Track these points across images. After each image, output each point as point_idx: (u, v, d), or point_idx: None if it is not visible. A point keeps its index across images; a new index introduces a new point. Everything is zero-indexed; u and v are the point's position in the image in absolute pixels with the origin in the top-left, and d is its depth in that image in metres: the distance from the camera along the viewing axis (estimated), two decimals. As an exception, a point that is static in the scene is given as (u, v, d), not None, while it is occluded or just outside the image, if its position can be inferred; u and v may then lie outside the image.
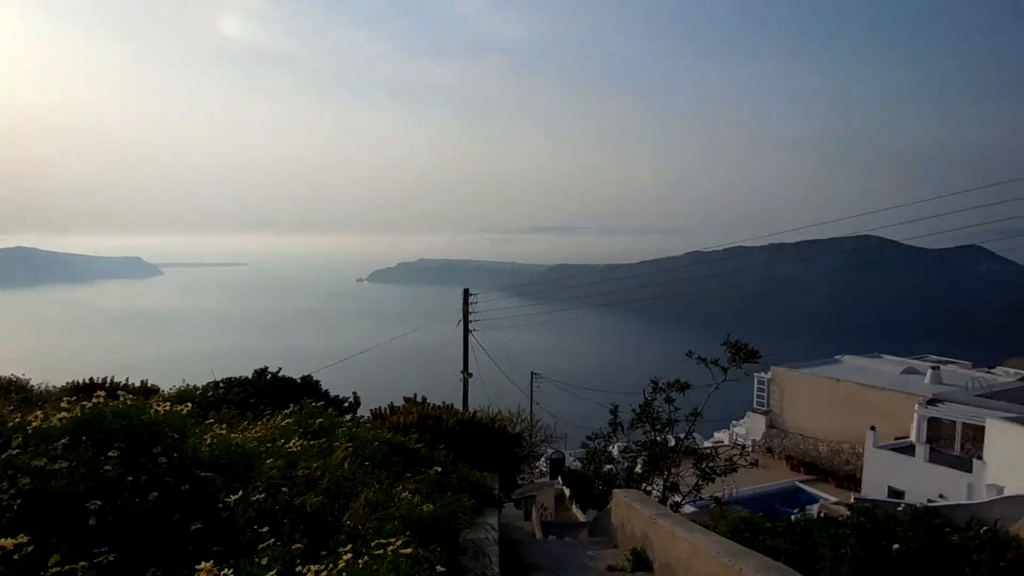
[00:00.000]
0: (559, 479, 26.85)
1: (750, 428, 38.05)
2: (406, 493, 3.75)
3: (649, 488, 12.13)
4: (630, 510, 6.10)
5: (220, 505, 3.45)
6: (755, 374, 36.41)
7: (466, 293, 26.57)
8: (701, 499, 12.84)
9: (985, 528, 5.93)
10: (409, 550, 2.61)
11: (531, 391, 34.25)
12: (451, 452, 7.19)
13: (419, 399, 12.30)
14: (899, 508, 5.56)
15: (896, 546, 4.55)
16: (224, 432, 5.57)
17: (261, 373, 13.27)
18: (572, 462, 24.10)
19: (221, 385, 11.94)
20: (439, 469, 4.81)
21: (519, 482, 23.58)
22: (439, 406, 11.57)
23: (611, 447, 13.66)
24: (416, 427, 9.01)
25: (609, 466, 13.35)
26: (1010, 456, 22.23)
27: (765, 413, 37.52)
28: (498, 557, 4.07)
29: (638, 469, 12.51)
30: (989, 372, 37.99)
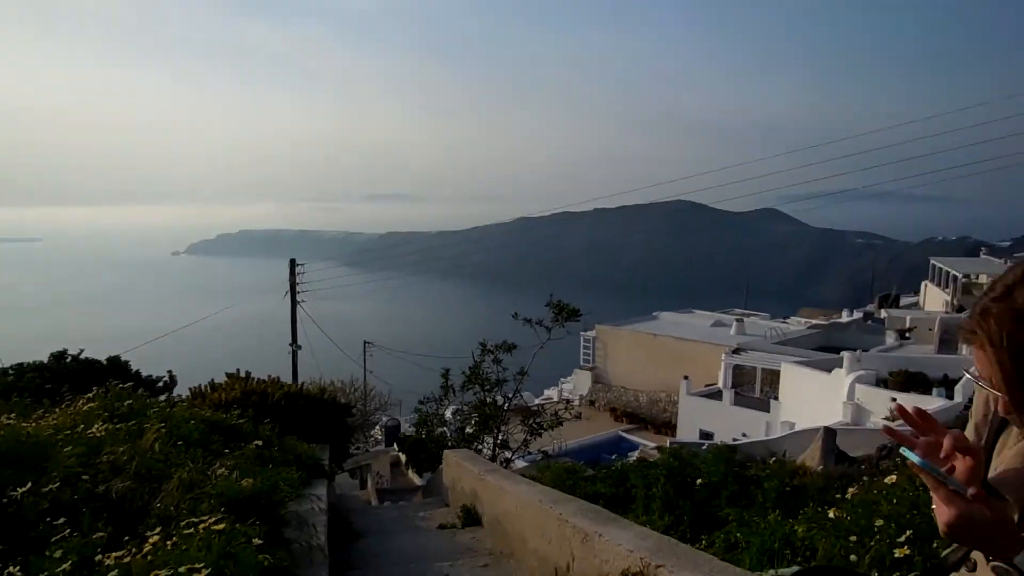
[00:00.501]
0: (395, 446, 26.88)
1: (577, 384, 39.90)
2: (223, 470, 3.60)
3: (480, 447, 12.44)
4: (460, 469, 6.22)
5: (5, 500, 3.13)
6: (581, 333, 38.12)
7: (292, 264, 25.64)
8: (530, 454, 13.36)
9: (775, 459, 6.62)
10: (223, 526, 2.51)
11: (364, 360, 33.85)
12: (277, 426, 6.95)
13: (243, 374, 11.76)
14: (703, 448, 6.09)
15: (700, 480, 4.97)
16: (14, 422, 5.05)
17: (59, 356, 12.12)
18: (408, 428, 24.18)
19: (11, 372, 10.80)
20: (259, 443, 4.65)
21: (353, 452, 23.35)
22: (264, 380, 11.13)
23: (444, 410, 13.84)
24: (239, 403, 8.62)
25: (442, 429, 13.54)
26: (800, 395, 24.89)
27: (591, 369, 39.45)
28: (325, 527, 4.01)
29: (469, 429, 12.79)
30: (784, 322, 42.12)
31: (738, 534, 3.81)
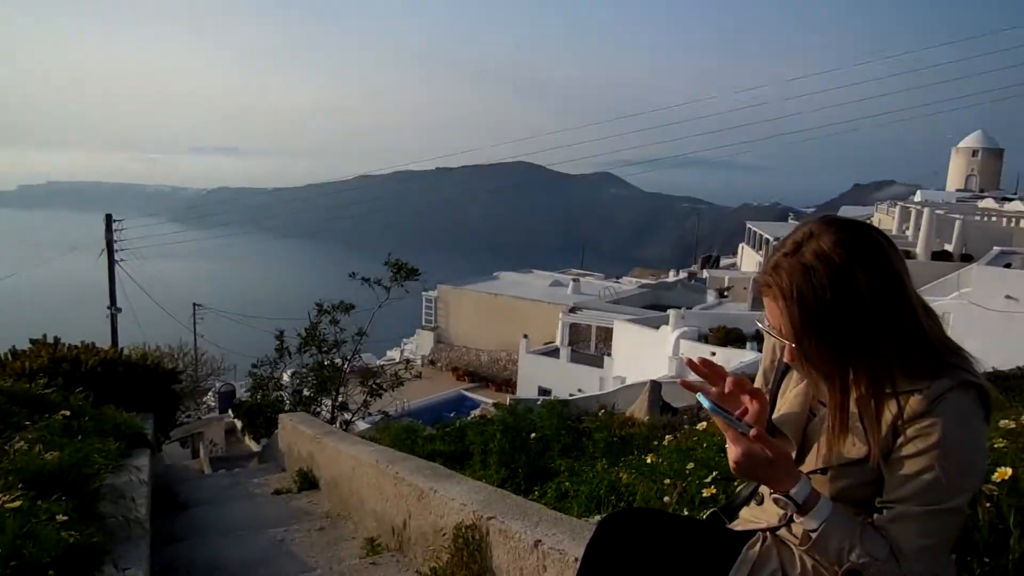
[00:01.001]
0: (229, 412, 25.77)
1: (419, 344, 39.97)
2: (23, 444, 3.29)
3: (318, 410, 12.20)
4: (296, 432, 6.07)
5: None
6: (422, 293, 38.08)
7: (109, 219, 23.58)
8: (371, 415, 13.27)
9: (603, 411, 6.99)
10: (18, 503, 2.30)
11: (194, 324, 32.01)
12: (92, 395, 6.43)
13: (51, 340, 10.73)
14: (538, 403, 6.32)
15: (534, 435, 5.15)
16: None
17: None
18: (244, 394, 23.24)
19: None
20: (67, 413, 4.29)
21: (184, 420, 22.14)
22: (77, 347, 10.22)
23: (280, 373, 13.42)
24: (47, 372, 7.86)
25: (278, 392, 13.13)
26: (631, 351, 26.31)
27: (432, 329, 39.62)
28: (147, 499, 3.79)
29: (307, 392, 12.49)
30: (617, 282, 44.23)
31: (567, 483, 3.99)
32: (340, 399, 12.55)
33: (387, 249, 14.52)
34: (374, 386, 12.50)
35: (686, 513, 2.60)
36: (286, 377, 13.85)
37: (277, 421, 7.48)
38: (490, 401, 23.79)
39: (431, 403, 27.29)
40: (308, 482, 5.40)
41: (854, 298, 1.32)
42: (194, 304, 33.05)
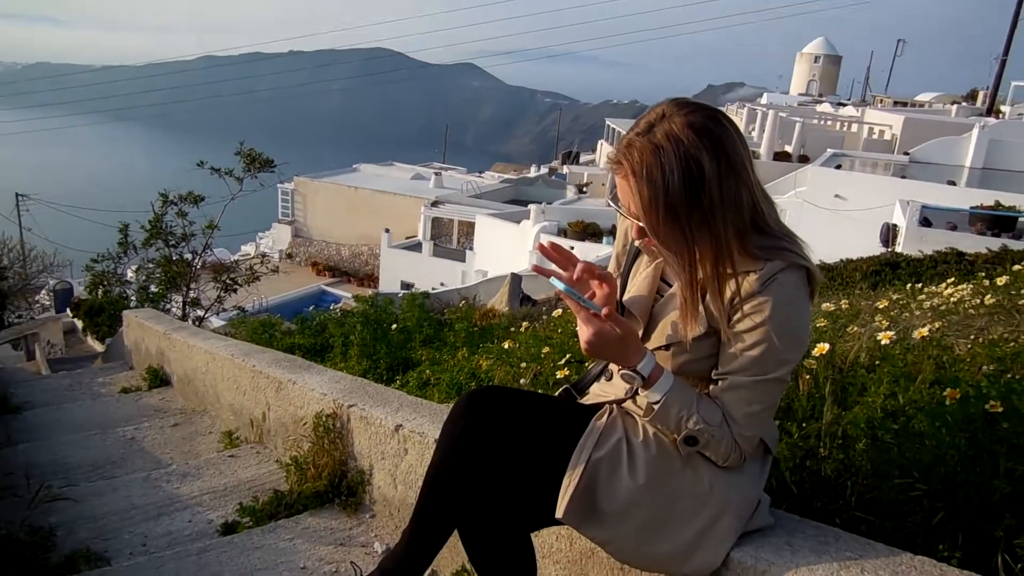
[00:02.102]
0: (68, 311, 24.04)
1: (276, 238, 38.57)
2: None
3: (168, 307, 11.62)
4: (143, 329, 5.77)
5: None
6: (278, 185, 36.41)
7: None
8: (226, 311, 12.80)
9: (465, 302, 7.10)
10: None
11: (19, 216, 29.17)
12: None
13: None
14: (399, 295, 6.32)
15: (395, 326, 5.17)
16: None
17: None
18: (82, 292, 21.68)
19: None
20: None
21: (14, 321, 20.47)
22: None
23: (124, 269, 12.57)
24: None
25: (121, 289, 12.33)
26: (492, 245, 26.64)
27: (290, 223, 38.24)
28: (-28, 401, 3.52)
29: (154, 288, 11.81)
30: (480, 176, 44.10)
31: (428, 372, 4.07)
32: (192, 295, 11.98)
33: (237, 137, 13.63)
34: (228, 281, 11.99)
35: (540, 390, 2.73)
36: (130, 273, 13.01)
37: (122, 319, 7.07)
38: (351, 296, 23.55)
39: (290, 299, 26.66)
40: (159, 379, 5.20)
41: (700, 179, 1.37)
42: (17, 194, 30.03)
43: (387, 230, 30.92)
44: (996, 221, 14.49)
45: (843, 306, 4.06)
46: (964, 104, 44.04)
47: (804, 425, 2.12)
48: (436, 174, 38.90)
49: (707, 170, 1.37)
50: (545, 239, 23.45)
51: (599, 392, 1.79)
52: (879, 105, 44.12)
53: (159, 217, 11.72)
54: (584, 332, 1.45)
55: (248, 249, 37.32)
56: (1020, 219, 14.64)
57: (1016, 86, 49.45)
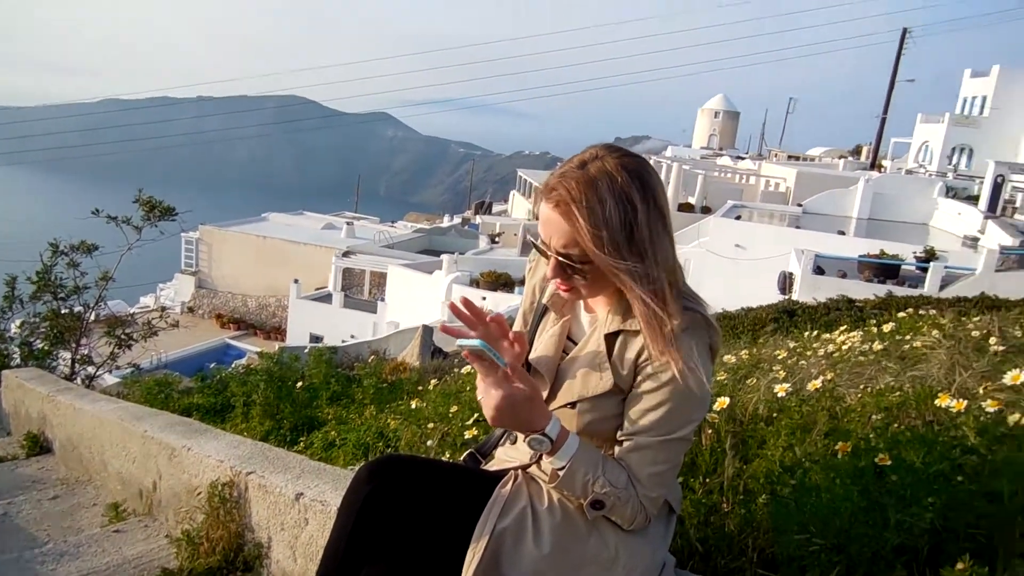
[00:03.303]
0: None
1: (179, 290, 37.13)
2: None
3: (55, 364, 10.90)
4: (24, 391, 5.38)
5: None
6: (182, 234, 35.19)
7: None
8: (120, 369, 12.11)
9: (374, 357, 6.97)
10: None
11: None
12: None
13: None
14: (305, 351, 6.15)
15: (300, 383, 5.01)
16: None
17: None
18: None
19: None
20: None
21: None
22: None
23: (6, 324, 11.74)
24: None
25: (2, 345, 11.51)
26: (405, 296, 26.43)
27: (194, 273, 36.92)
28: None
29: (40, 345, 11.08)
30: (392, 226, 43.97)
31: (334, 433, 3.95)
32: (82, 352, 11.28)
33: (142, 184, 13.11)
34: (123, 336, 11.36)
35: (448, 455, 2.67)
36: (14, 328, 12.17)
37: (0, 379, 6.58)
38: (257, 349, 22.80)
39: (192, 353, 25.57)
40: (39, 446, 4.83)
41: (633, 216, 1.39)
42: None
43: (296, 280, 30.26)
44: (882, 269, 15.41)
45: (744, 357, 4.19)
46: (850, 159, 47.17)
47: (707, 480, 2.15)
48: (348, 224, 38.53)
49: (639, 210, 1.40)
50: (457, 295, 23.47)
51: (504, 457, 1.76)
52: (774, 159, 46.68)
53: (47, 268, 11.05)
54: (492, 397, 1.40)
55: (148, 301, 35.71)
56: (903, 266, 15.62)
57: (895, 142, 53.35)
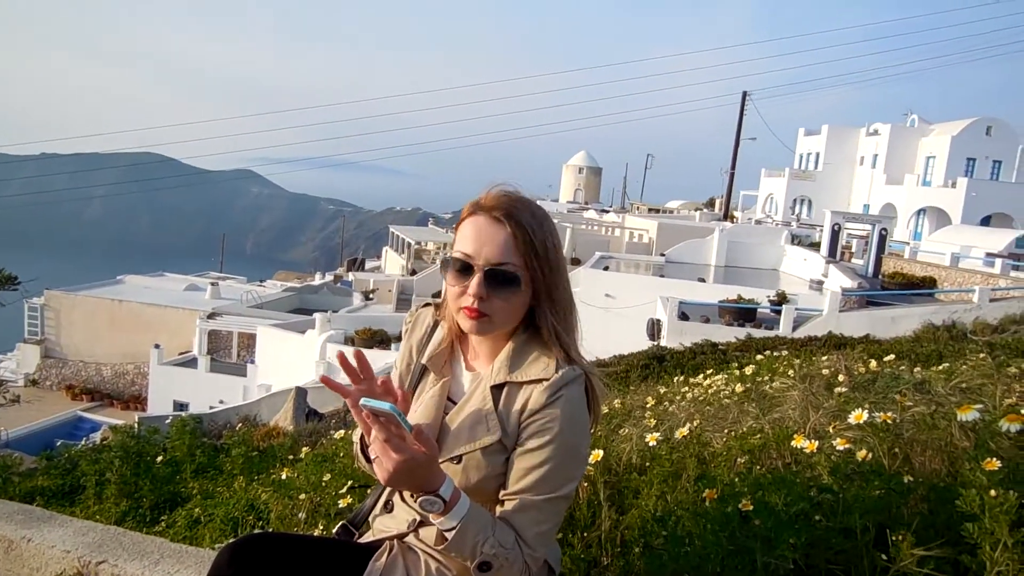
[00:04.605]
0: None
1: (22, 361, 34.12)
2: None
3: None
4: None
5: None
6: (25, 301, 32.51)
7: None
8: (-50, 452, 10.91)
9: (241, 424, 6.64)
10: None
11: None
12: None
13: None
14: (167, 420, 5.77)
15: (161, 457, 4.68)
16: None
17: None
18: None
19: None
20: None
21: None
22: None
23: None
24: None
25: None
26: (276, 357, 25.47)
27: (39, 342, 34.07)
28: None
29: None
30: (261, 285, 42.50)
31: (197, 509, 3.70)
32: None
33: (-28, 249, 12.06)
34: (-46, 416, 10.29)
35: (321, 527, 2.56)
36: None
37: None
38: (116, 422, 21.20)
39: (38, 429, 23.37)
40: None
41: (557, 244, 1.52)
42: None
43: (157, 345, 28.54)
44: (740, 312, 16.35)
45: (616, 406, 4.30)
46: (705, 210, 50.20)
47: (585, 535, 2.16)
48: (213, 284, 36.89)
49: (557, 245, 1.52)
50: (332, 354, 22.85)
51: (380, 527, 1.70)
52: (636, 211, 49.07)
53: None
54: (392, 460, 1.32)
55: (-15, 375, 32.54)
56: (759, 310, 16.64)
57: (744, 194, 57.42)
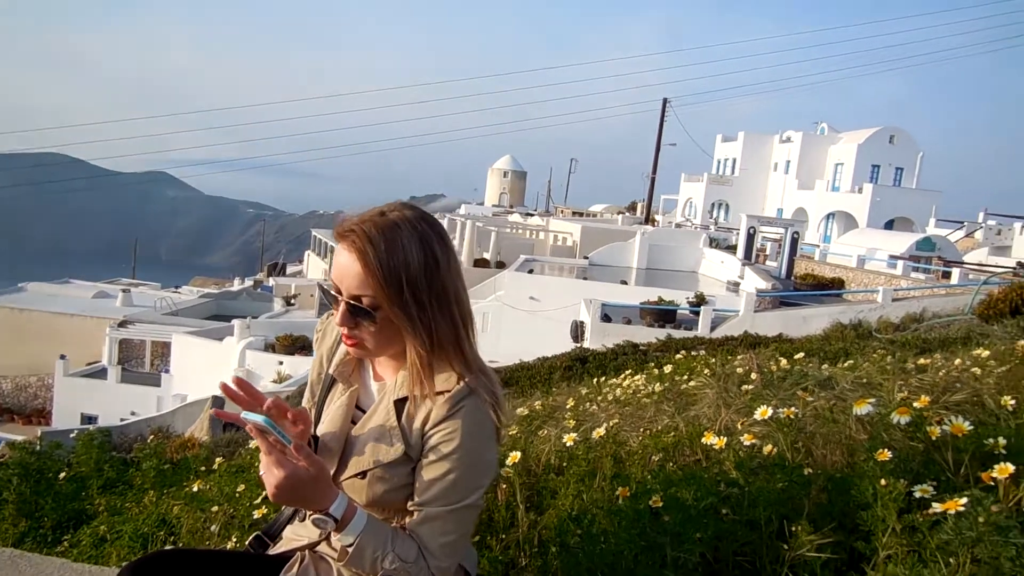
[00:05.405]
0: None
1: (-90, 376, 31.94)
2: None
3: None
4: None
5: None
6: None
7: None
8: None
9: (152, 436, 6.40)
10: None
11: None
12: None
13: None
14: (72, 435, 5.50)
15: (64, 474, 4.47)
16: None
17: None
18: None
19: None
20: None
21: None
22: None
23: None
24: None
25: None
26: (192, 366, 24.65)
27: (-69, 356, 31.97)
28: None
29: None
30: (176, 291, 41.07)
31: (103, 527, 3.54)
32: None
33: None
34: None
35: (234, 539, 2.49)
36: None
37: None
38: (17, 437, 20.07)
39: (-71, 448, 21.97)
40: None
41: (435, 264, 1.42)
42: None
43: (63, 356, 27.18)
44: (661, 314, 16.73)
45: (538, 407, 4.33)
46: (627, 214, 51.17)
47: (504, 537, 2.17)
48: (124, 291, 35.39)
49: (439, 258, 1.42)
50: (251, 356, 22.28)
51: (292, 536, 1.66)
52: (560, 215, 49.63)
53: None
54: (274, 475, 1.32)
55: None
56: (679, 311, 17.06)
57: (665, 198, 58.80)
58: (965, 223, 42.31)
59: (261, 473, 1.37)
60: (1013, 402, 2.02)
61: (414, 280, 1.40)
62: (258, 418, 1.31)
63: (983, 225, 40.49)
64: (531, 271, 23.27)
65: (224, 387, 1.43)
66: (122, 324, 28.38)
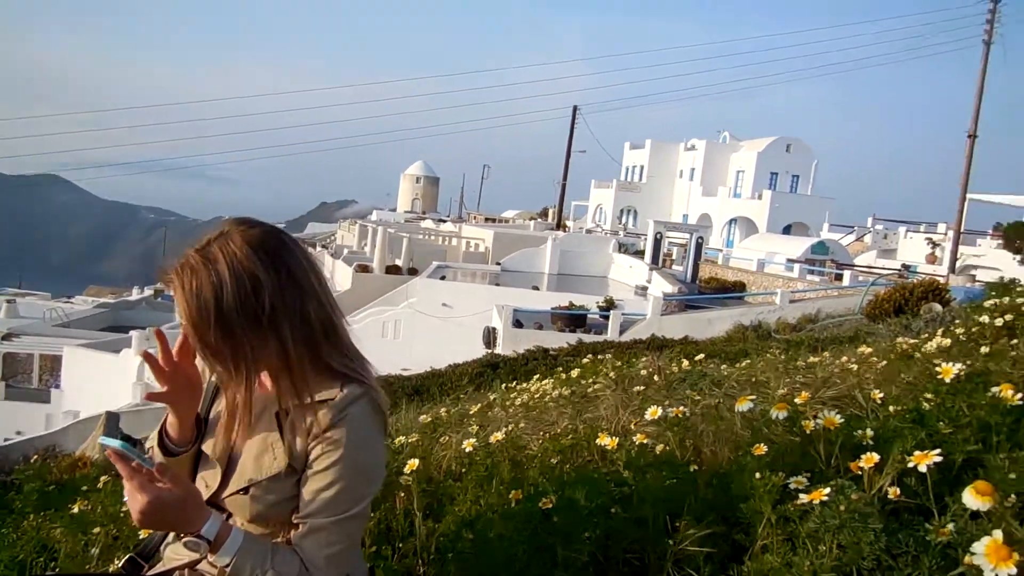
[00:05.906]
0: None
1: None
2: None
3: None
4: None
5: None
6: None
7: None
8: None
9: (36, 456, 6.05)
10: None
11: None
12: None
13: None
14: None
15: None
16: None
17: None
18: None
19: None
20: None
21: None
22: None
23: None
24: None
25: None
26: (86, 380, 23.39)
27: None
28: None
29: None
30: (69, 302, 38.91)
31: (-25, 554, 3.31)
32: None
33: None
34: None
35: (117, 562, 2.37)
36: None
37: None
38: None
39: None
40: None
41: (255, 291, 1.36)
42: None
43: (-61, 373, 25.32)
44: (572, 319, 16.98)
45: (443, 414, 4.31)
46: (539, 220, 51.77)
47: (401, 545, 2.15)
48: (9, 302, 33.24)
49: (263, 282, 1.36)
50: (150, 374, 21.30)
51: (172, 555, 1.60)
52: (473, 221, 49.74)
53: None
54: (137, 501, 1.28)
55: None
56: (589, 315, 17.36)
57: (576, 205, 59.79)
58: (856, 227, 44.84)
59: (125, 499, 1.32)
60: (881, 395, 2.15)
61: (232, 313, 1.35)
62: (115, 442, 1.27)
63: (872, 230, 42.98)
64: (443, 277, 23.22)
65: (144, 354, 1.42)
66: (6, 337, 26.70)
